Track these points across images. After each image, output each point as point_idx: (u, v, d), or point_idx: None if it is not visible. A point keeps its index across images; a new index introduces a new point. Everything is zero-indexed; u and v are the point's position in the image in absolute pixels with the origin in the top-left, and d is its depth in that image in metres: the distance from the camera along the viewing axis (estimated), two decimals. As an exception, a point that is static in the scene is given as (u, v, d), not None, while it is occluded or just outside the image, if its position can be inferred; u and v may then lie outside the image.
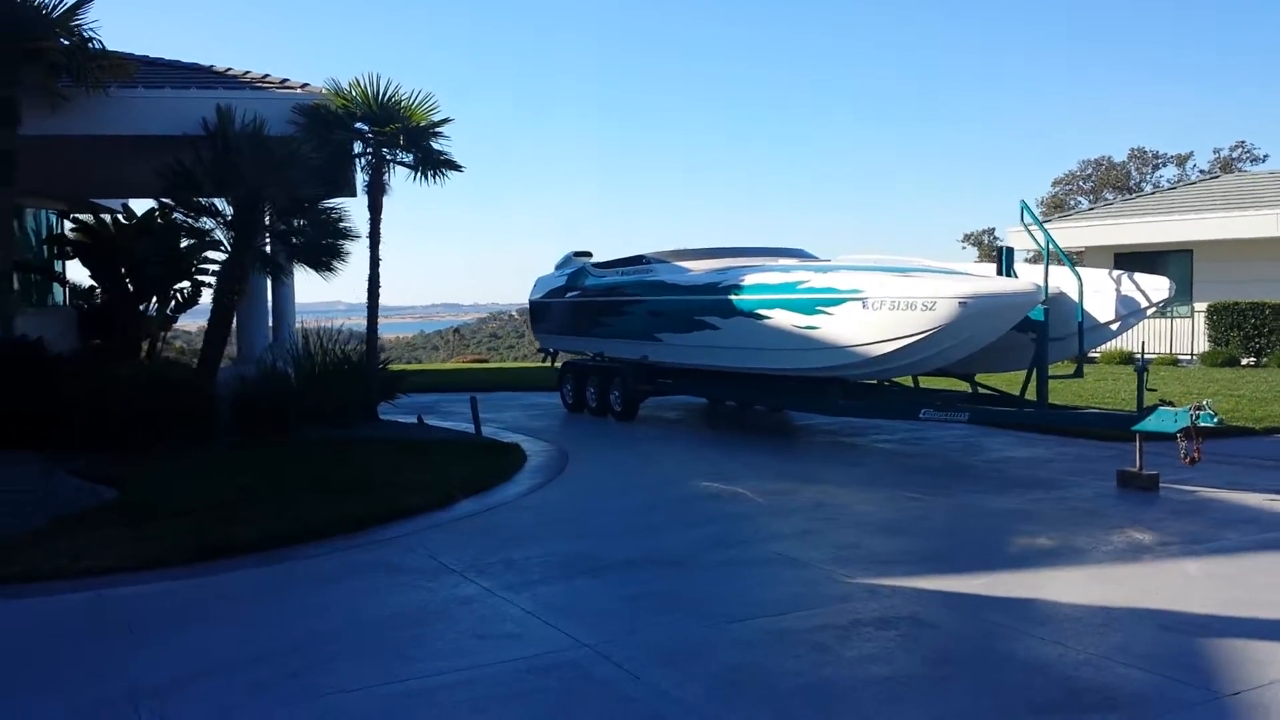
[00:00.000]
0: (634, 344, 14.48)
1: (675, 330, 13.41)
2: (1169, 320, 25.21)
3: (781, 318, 11.48)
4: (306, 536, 7.64)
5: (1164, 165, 48.68)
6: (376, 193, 14.22)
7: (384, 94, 13.77)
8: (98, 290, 15.79)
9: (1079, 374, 10.58)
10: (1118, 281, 10.56)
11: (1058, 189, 50.22)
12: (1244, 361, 22.32)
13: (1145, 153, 48.49)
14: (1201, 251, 25.73)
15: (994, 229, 48.69)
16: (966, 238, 51.53)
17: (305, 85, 14.51)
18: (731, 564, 6.89)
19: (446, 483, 9.39)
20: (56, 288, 18.32)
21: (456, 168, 14.62)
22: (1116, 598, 5.99)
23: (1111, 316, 10.58)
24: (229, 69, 15.34)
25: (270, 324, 17.32)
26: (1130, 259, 27.01)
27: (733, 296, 12.22)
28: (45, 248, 18.04)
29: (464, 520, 8.38)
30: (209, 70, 15.29)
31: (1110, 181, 48.24)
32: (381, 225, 14.30)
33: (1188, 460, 8.99)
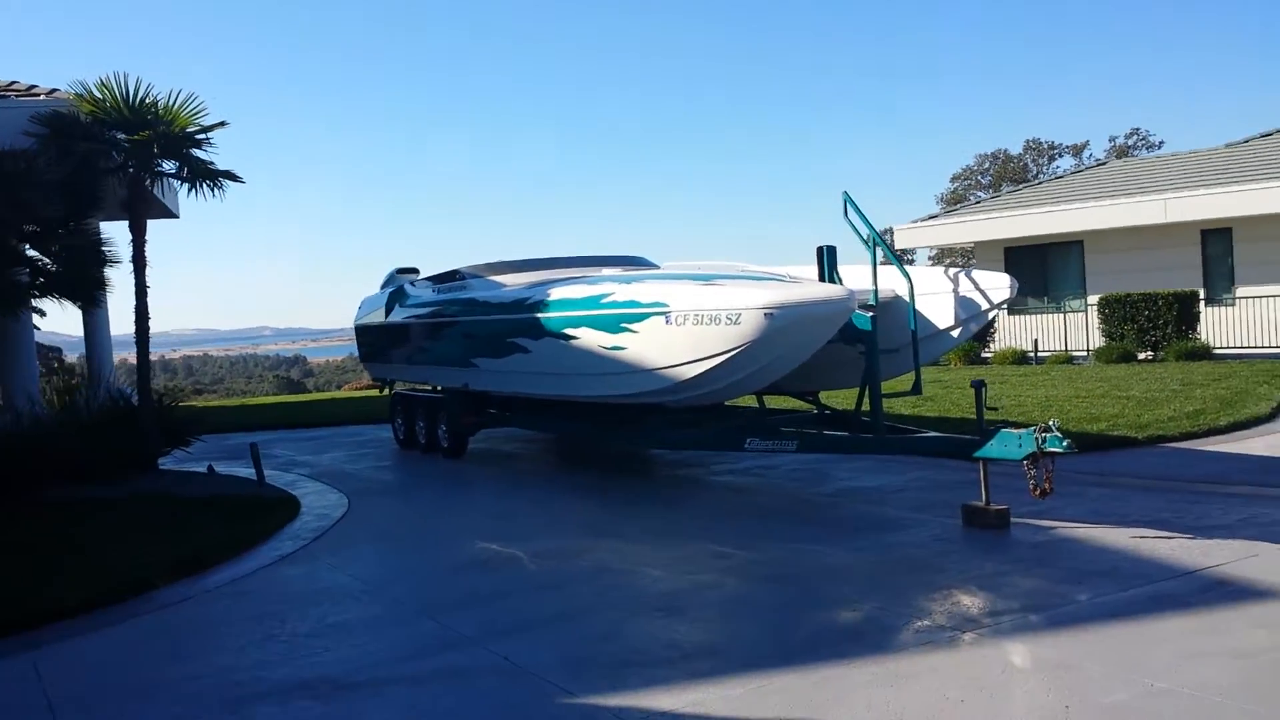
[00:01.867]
0: (455, 371, 12.80)
1: (490, 355, 11.74)
2: (1062, 315, 24.17)
3: (587, 337, 9.87)
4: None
5: (1060, 155, 48.29)
6: (138, 211, 12.36)
7: (134, 96, 11.92)
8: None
9: (917, 390, 9.10)
10: (955, 281, 9.13)
11: (956, 185, 49.58)
12: (1140, 356, 21.25)
13: (1041, 144, 48.00)
14: (1092, 241, 24.76)
15: (891, 229, 47.76)
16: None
17: (54, 91, 12.61)
18: (434, 680, 5.22)
19: (156, 561, 7.65)
20: None
21: (233, 178, 12.86)
22: (906, 713, 4.43)
23: (951, 321, 9.13)
24: (-25, 77, 13.36)
25: (79, 359, 15.34)
26: (1021, 253, 26.05)
27: (540, 314, 10.58)
28: None
29: (133, 620, 6.61)
30: (-53, 79, 13.31)
31: (1008, 174, 47.65)
32: (146, 249, 12.46)
33: (1037, 492, 7.54)
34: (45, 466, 11.44)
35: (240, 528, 8.89)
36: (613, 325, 9.53)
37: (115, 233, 13.38)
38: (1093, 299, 23.39)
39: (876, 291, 9.07)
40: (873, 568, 6.90)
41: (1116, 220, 23.39)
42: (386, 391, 16.45)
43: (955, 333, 9.21)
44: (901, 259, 8.90)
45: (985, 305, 8.97)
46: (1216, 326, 21.82)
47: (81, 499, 10.54)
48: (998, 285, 8.92)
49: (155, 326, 12.91)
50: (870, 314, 8.69)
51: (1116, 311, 21.75)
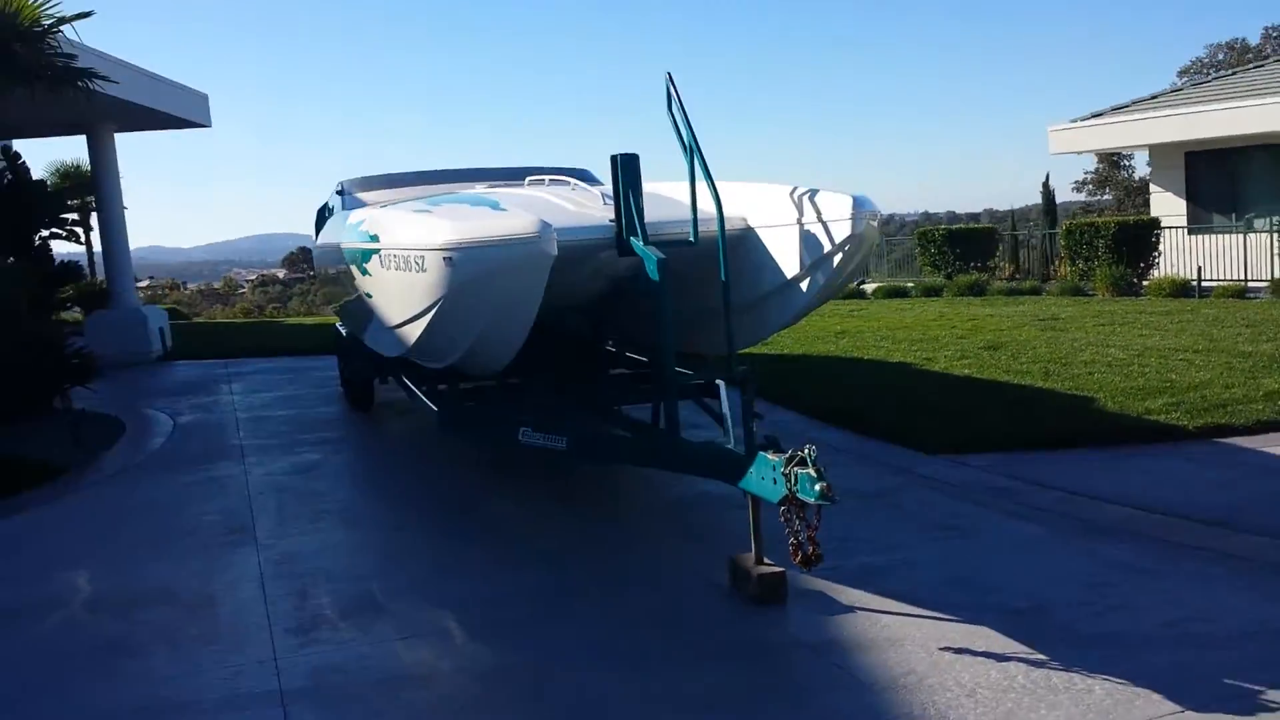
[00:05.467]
0: (338, 307, 10.62)
1: (336, 289, 9.48)
2: (1240, 236, 19.42)
3: (356, 277, 7.44)
4: None
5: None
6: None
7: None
8: None
9: (729, 374, 6.08)
10: (800, 208, 6.00)
11: (1184, 80, 42.67)
12: (1332, 289, 16.57)
13: (1287, 29, 40.42)
14: (1296, 144, 19.75)
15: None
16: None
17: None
18: None
19: None
20: None
21: (98, 77, 10.93)
22: None
23: (796, 269, 6.04)
24: None
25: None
26: (1205, 159, 21.32)
27: (342, 244, 8.16)
28: None
29: None
30: None
31: (1244, 67, 40.47)
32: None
33: (798, 557, 4.56)
34: None
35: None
36: (360, 264, 7.04)
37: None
38: (1285, 216, 18.65)
39: (696, 222, 6.06)
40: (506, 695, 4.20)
41: (1324, 115, 18.42)
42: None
43: (804, 285, 6.10)
44: (713, 177, 5.80)
45: (827, 247, 5.82)
46: None
47: None
48: (838, 215, 5.73)
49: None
50: (658, 255, 5.69)
51: (1304, 233, 17.04)
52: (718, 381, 6.48)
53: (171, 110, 16.54)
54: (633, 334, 8.24)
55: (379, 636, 4.64)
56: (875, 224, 5.94)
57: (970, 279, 21.25)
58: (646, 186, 6.85)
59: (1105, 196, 45.86)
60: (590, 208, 6.64)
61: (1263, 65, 24.14)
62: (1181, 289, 18.32)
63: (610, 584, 5.27)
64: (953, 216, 79.13)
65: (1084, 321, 14.79)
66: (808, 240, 5.88)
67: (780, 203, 6.09)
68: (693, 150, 5.88)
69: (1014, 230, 26.98)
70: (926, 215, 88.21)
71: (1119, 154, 42.61)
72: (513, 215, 5.33)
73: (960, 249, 23.00)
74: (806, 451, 4.44)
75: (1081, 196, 47.84)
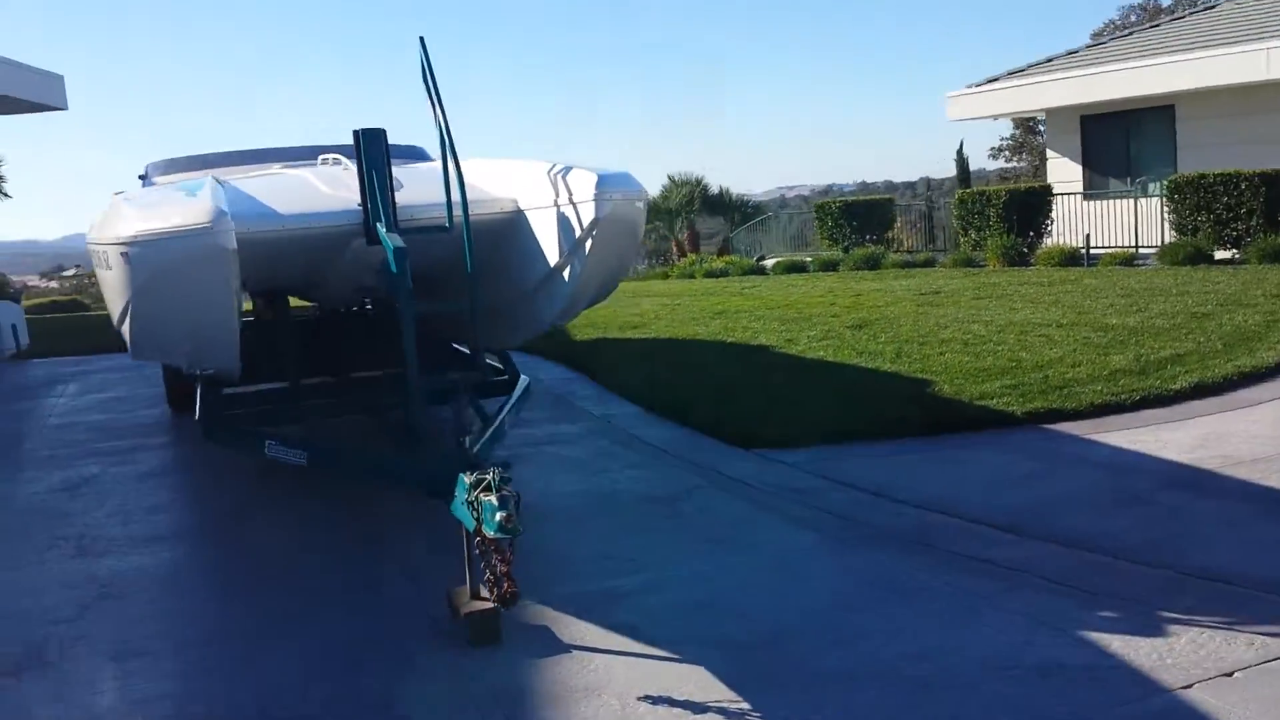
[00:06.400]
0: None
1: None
2: (1132, 201, 19.22)
3: (100, 273, 6.82)
4: None
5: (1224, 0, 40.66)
6: None
7: None
8: None
9: (500, 376, 5.55)
10: (556, 188, 5.45)
11: (1093, 42, 42.69)
12: (1217, 255, 16.38)
13: (1197, -11, 40.54)
14: (1186, 106, 19.59)
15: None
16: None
17: None
18: None
19: None
20: None
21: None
22: None
23: (557, 257, 5.49)
24: None
25: None
26: (1100, 123, 21.10)
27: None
28: None
29: None
30: None
31: (1157, 28, 40.55)
32: None
33: (494, 595, 4.03)
34: None
35: None
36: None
37: None
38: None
39: (450, 205, 5.45)
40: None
41: (1207, 79, 18.23)
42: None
43: (565, 274, 5.55)
44: (458, 154, 5.22)
45: (578, 231, 5.27)
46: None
47: None
48: (584, 196, 5.18)
49: None
50: (397, 243, 5.08)
51: (1189, 198, 16.82)
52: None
53: (18, 94, 15.70)
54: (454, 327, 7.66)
55: (23, 700, 4.03)
56: (641, 205, 5.44)
57: (866, 252, 20.88)
58: (435, 164, 6.30)
59: (1021, 163, 45.91)
60: (351, 190, 6.04)
61: (1158, 25, 23.97)
62: (1070, 258, 18.03)
63: (320, 623, 4.69)
64: (889, 186, 79.05)
65: (963, 295, 14.43)
66: (563, 224, 5.34)
67: (543, 183, 5.54)
68: (442, 128, 5.31)
69: (930, 200, 26.69)
70: (864, 185, 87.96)
71: (1033, 119, 42.58)
72: (193, 203, 4.68)
73: (858, 221, 22.61)
74: (492, 475, 3.90)
75: (999, 164, 47.90)
